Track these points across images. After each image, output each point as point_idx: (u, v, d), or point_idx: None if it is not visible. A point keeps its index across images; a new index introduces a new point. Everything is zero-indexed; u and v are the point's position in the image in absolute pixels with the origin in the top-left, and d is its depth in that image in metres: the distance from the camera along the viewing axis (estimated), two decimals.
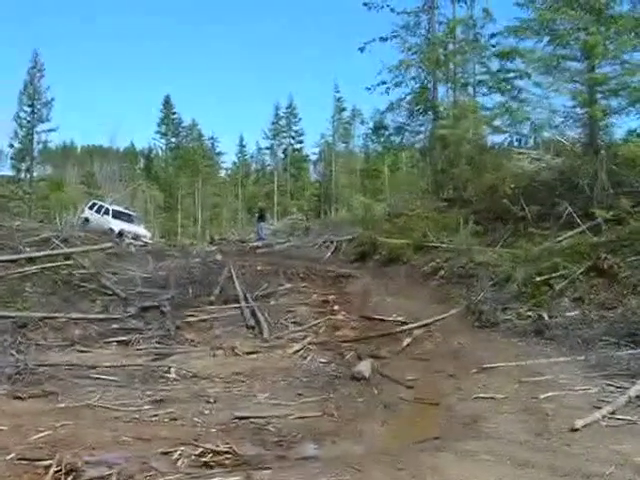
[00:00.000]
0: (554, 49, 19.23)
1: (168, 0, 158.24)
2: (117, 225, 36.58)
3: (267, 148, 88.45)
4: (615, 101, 18.50)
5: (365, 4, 33.38)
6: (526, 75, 20.61)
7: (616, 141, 20.33)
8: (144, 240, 35.74)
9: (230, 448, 6.91)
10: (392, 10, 33.02)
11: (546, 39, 19.19)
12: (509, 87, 22.08)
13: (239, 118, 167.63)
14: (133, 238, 34.29)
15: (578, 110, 19.36)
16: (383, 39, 33.00)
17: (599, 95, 18.50)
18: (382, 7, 33.12)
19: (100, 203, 41.17)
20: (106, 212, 38.33)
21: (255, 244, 33.89)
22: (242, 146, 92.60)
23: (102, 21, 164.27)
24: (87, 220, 37.58)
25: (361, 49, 33.51)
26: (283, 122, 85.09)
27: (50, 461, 6.18)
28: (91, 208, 39.60)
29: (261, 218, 38.77)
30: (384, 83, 32.97)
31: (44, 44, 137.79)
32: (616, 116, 18.84)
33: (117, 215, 38.71)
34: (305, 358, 11.94)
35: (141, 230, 39.51)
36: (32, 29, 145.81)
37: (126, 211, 42.30)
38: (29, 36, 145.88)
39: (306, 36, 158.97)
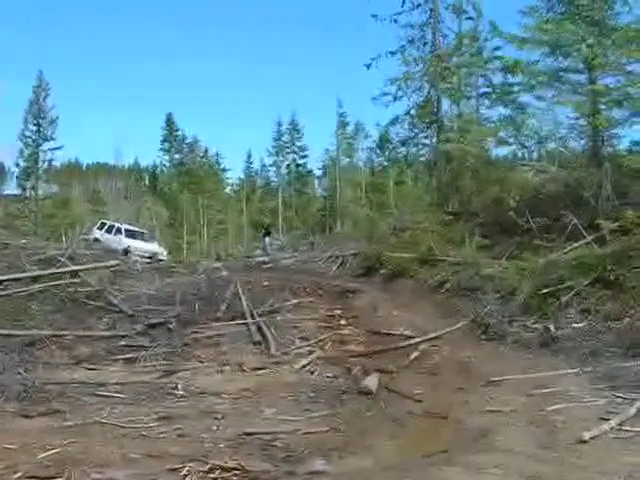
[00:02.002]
0: (556, 61, 19.29)
1: (169, 17, 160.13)
2: (132, 244, 36.35)
3: (271, 165, 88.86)
4: (618, 112, 18.51)
5: (373, 15, 33.52)
6: (530, 87, 20.63)
7: (620, 152, 20.31)
8: (161, 258, 35.74)
9: (238, 464, 6.91)
10: (396, 22, 33.18)
11: (548, 51, 19.22)
12: (513, 99, 22.09)
13: (243, 134, 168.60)
14: (150, 257, 34.25)
15: (582, 122, 19.38)
16: (391, 53, 33.14)
17: (602, 106, 18.50)
18: (390, 19, 33.25)
19: (110, 223, 40.73)
20: (118, 231, 37.98)
21: (261, 259, 33.94)
22: (249, 163, 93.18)
23: (105, 39, 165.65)
24: (97, 240, 37.25)
25: (367, 65, 33.59)
26: (286, 138, 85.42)
27: (59, 479, 6.19)
28: (100, 228, 39.14)
29: (267, 234, 38.79)
30: (389, 94, 33.14)
31: (49, 62, 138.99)
32: (620, 127, 18.86)
33: (130, 234, 38.50)
34: (312, 373, 11.93)
35: (157, 248, 39.36)
36: (37, 47, 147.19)
37: (139, 229, 42.14)
38: (34, 54, 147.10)
39: (310, 51, 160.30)
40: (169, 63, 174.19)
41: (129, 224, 43.37)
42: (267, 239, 38.52)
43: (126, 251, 34.07)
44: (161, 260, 34.19)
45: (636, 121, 18.16)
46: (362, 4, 33.59)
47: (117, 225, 39.42)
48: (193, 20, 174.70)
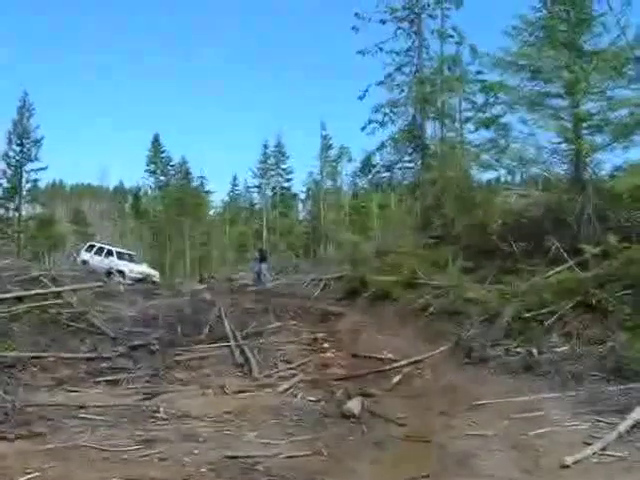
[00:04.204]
0: (537, 85, 19.43)
1: (157, 40, 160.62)
2: (125, 266, 36.23)
3: (256, 187, 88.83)
4: (600, 137, 18.64)
5: (359, 52, 33.95)
6: (511, 107, 20.73)
7: (602, 177, 20.43)
8: (153, 279, 35.78)
9: None
10: (381, 50, 33.48)
11: (530, 75, 19.37)
12: (495, 123, 22.20)
13: (229, 156, 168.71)
14: (142, 279, 34.18)
15: (564, 146, 19.48)
16: (381, 83, 33.56)
17: (584, 131, 18.62)
18: (376, 52, 33.64)
19: (100, 245, 40.42)
20: (109, 253, 37.74)
21: (244, 282, 33.55)
22: (235, 185, 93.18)
23: (91, 60, 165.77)
24: (85, 262, 36.93)
25: (361, 97, 34.06)
26: (272, 161, 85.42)
27: None
28: (89, 250, 38.86)
29: (263, 259, 34.21)
30: (375, 122, 33.44)
31: (33, 83, 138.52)
32: (601, 152, 18.96)
33: (121, 256, 38.30)
34: (295, 396, 11.90)
35: (149, 269, 39.18)
36: (20, 68, 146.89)
37: (129, 252, 41.82)
38: (18, 75, 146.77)
39: (296, 75, 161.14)
40: (156, 84, 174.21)
41: (115, 246, 43.04)
42: (263, 265, 33.75)
43: (109, 272, 33.93)
44: (155, 282, 34.30)
45: (617, 146, 18.27)
46: (348, 18, 33.72)
47: (108, 247, 39.07)
48: (180, 41, 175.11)
